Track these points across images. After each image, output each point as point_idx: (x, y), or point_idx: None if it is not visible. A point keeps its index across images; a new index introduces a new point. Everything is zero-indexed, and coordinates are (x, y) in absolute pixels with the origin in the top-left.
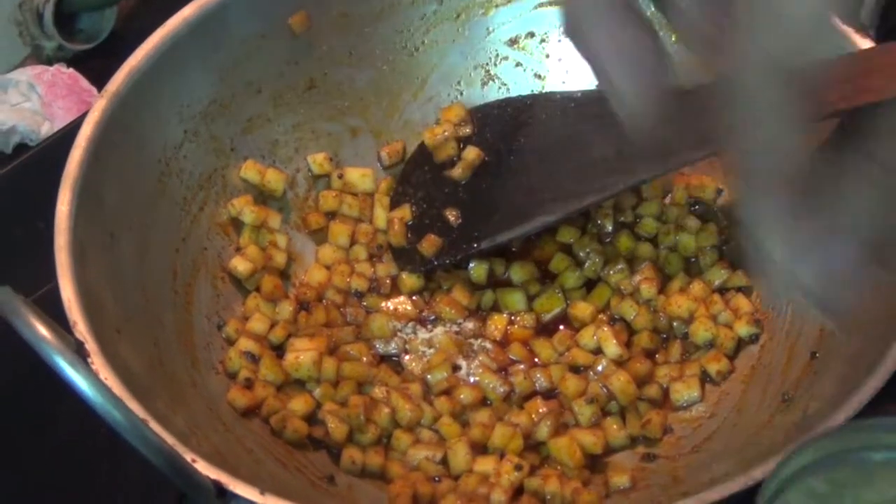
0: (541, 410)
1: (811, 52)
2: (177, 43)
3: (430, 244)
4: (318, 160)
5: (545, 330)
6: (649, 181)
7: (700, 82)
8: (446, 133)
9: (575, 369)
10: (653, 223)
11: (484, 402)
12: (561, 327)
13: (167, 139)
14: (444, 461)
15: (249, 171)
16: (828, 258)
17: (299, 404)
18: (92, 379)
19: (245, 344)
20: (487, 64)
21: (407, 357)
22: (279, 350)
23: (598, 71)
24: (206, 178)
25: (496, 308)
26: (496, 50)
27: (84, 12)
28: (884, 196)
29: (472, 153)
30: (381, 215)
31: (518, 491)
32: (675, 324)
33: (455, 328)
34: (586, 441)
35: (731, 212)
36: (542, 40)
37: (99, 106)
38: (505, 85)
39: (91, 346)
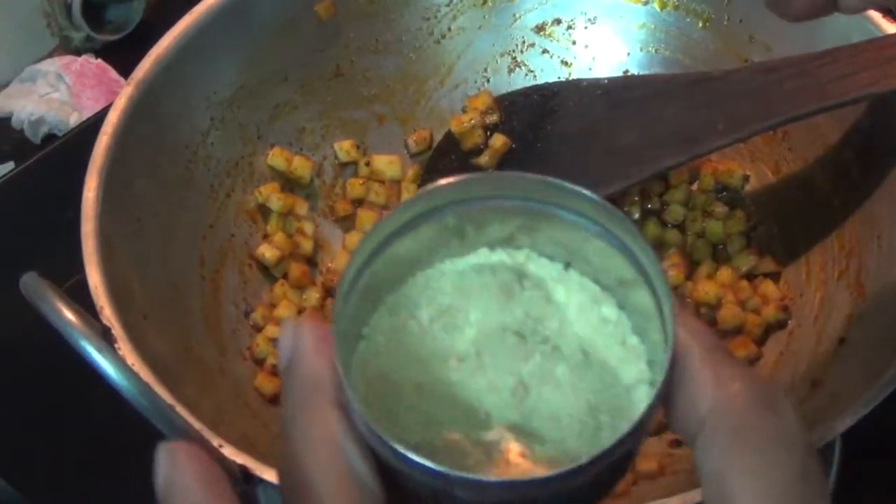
0: None
1: None
2: (203, 30)
3: None
4: (344, 147)
5: None
6: (676, 168)
7: (727, 69)
8: (473, 121)
9: None
10: (680, 210)
11: None
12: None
13: (194, 126)
14: None
15: (276, 158)
16: None
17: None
18: (118, 364)
19: (272, 331)
20: (514, 51)
21: None
22: None
23: None
24: (232, 165)
25: None
26: (523, 37)
27: (112, 3)
28: None
29: (498, 141)
30: None
31: None
32: (702, 310)
33: None
34: None
35: (758, 198)
36: (569, 27)
37: (125, 93)
38: (531, 72)
39: (118, 331)
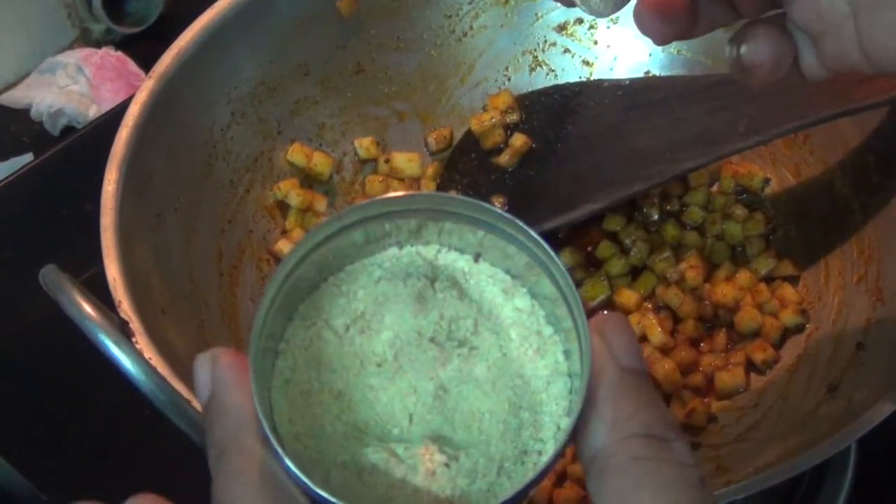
0: None
1: None
2: (225, 25)
3: None
4: (364, 144)
5: (590, 317)
6: (697, 170)
7: None
8: (493, 120)
9: None
10: (699, 212)
11: None
12: (605, 312)
13: (214, 121)
14: None
15: (296, 154)
16: None
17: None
18: (136, 357)
19: None
20: (535, 50)
21: None
22: None
23: None
24: (252, 160)
25: None
26: (544, 36)
27: None
28: None
29: (519, 140)
30: None
31: (561, 477)
32: (720, 312)
33: None
34: None
35: (778, 201)
36: (591, 27)
37: (147, 86)
38: (553, 71)
39: (136, 325)
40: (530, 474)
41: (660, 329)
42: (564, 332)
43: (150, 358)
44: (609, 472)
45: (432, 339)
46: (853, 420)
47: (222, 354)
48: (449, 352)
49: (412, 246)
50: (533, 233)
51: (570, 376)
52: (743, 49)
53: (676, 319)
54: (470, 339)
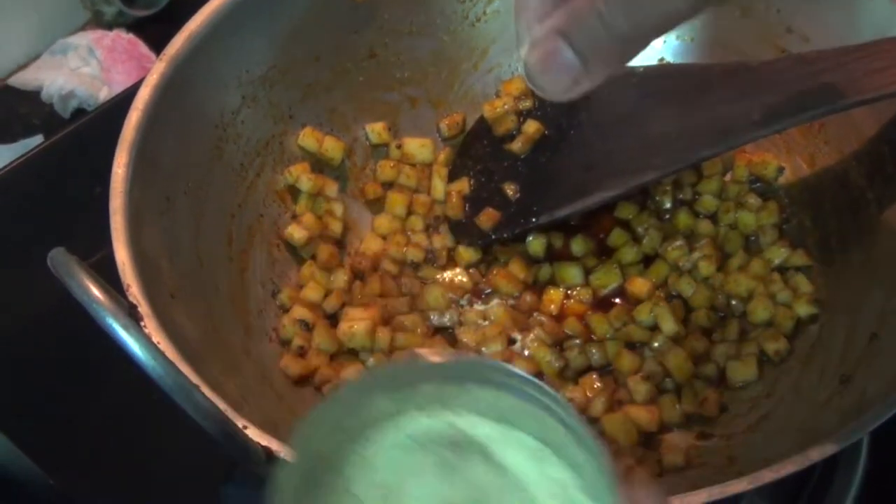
0: (595, 386)
1: None
2: (237, 8)
3: (487, 218)
4: (376, 129)
5: (601, 305)
6: (711, 159)
7: (764, 59)
8: (506, 106)
9: (630, 345)
10: (712, 200)
11: (538, 376)
12: (617, 300)
13: (225, 104)
14: None
15: (307, 138)
16: None
17: (352, 373)
18: (144, 342)
19: (299, 312)
20: None
21: (461, 329)
22: (333, 319)
23: None
24: (263, 144)
25: (552, 282)
26: None
27: None
28: None
29: (532, 127)
30: (438, 186)
31: None
32: (733, 302)
33: (511, 301)
34: (641, 418)
35: (792, 190)
36: None
37: (157, 69)
38: None
39: (144, 309)
40: None
41: (672, 318)
42: (605, 502)
43: (158, 342)
44: None
45: None
46: (866, 412)
47: None
48: None
49: (436, 411)
50: (563, 400)
51: None
52: None
53: (689, 308)
54: None
